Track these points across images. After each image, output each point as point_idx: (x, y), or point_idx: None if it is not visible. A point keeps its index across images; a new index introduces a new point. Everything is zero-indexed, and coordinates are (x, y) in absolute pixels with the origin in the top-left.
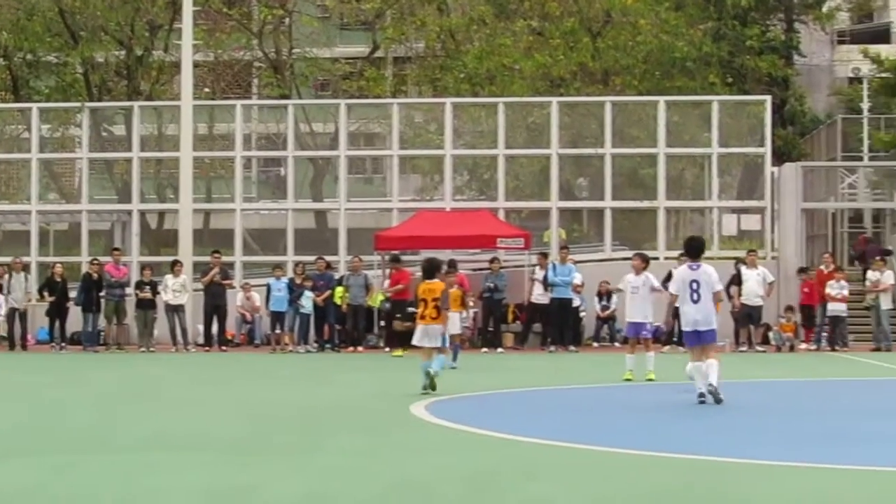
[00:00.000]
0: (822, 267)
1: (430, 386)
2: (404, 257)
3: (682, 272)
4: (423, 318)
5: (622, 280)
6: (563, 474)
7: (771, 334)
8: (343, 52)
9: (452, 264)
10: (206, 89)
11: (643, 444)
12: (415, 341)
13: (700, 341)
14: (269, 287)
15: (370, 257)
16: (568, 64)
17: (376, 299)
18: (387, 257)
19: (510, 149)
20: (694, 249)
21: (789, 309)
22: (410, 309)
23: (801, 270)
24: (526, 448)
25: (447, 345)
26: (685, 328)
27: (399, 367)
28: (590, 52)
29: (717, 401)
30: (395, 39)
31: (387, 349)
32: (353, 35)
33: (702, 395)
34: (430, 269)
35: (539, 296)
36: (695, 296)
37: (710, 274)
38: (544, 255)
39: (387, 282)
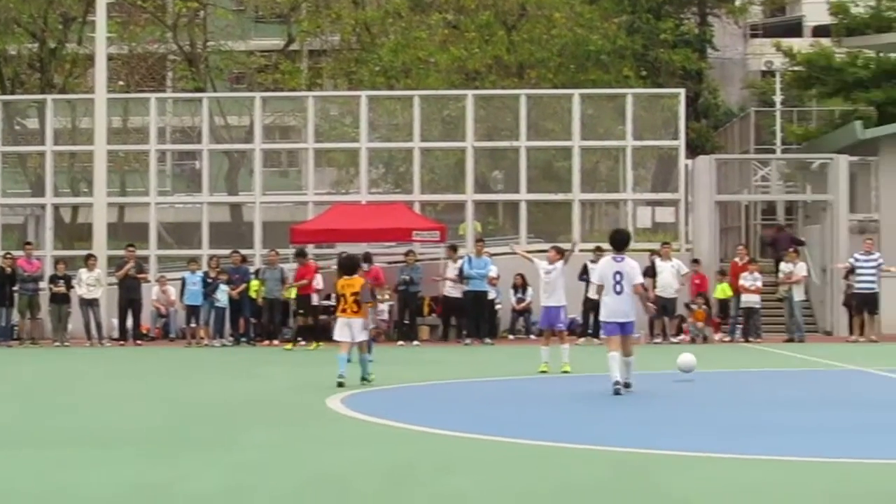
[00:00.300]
0: (737, 259)
1: (365, 378)
2: (320, 251)
3: (605, 263)
4: (343, 311)
5: (537, 265)
6: (479, 467)
7: (686, 325)
8: (258, 45)
9: (368, 258)
10: (121, 82)
11: (559, 436)
12: (335, 336)
13: (621, 332)
14: (183, 281)
15: (286, 251)
16: (483, 57)
17: (292, 292)
18: (279, 251)
19: (425, 142)
20: (618, 242)
21: (700, 295)
22: (326, 302)
23: (694, 262)
24: (442, 441)
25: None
26: (607, 318)
27: (315, 360)
28: (505, 45)
29: (626, 385)
30: (310, 32)
31: (302, 342)
32: (268, 28)
33: (617, 383)
34: (349, 265)
35: (450, 288)
36: (618, 287)
37: (633, 266)
38: (453, 249)
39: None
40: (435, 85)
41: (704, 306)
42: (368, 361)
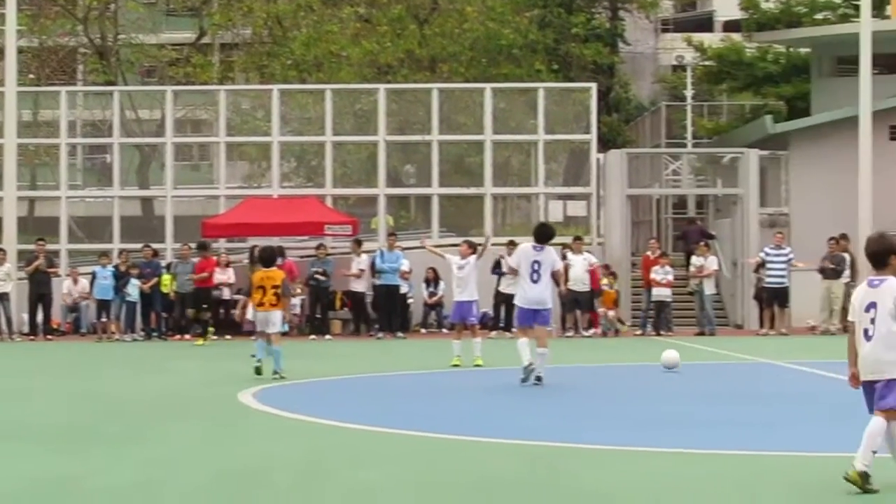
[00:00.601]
0: (649, 252)
1: (257, 371)
2: (232, 245)
3: (525, 251)
4: (261, 304)
5: (450, 260)
6: (391, 461)
7: (599, 319)
8: (169, 39)
9: (281, 251)
10: (31, 75)
11: (472, 430)
12: (256, 328)
13: (535, 320)
14: (94, 275)
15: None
16: (395, 51)
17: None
18: (193, 245)
19: (338, 136)
20: (543, 236)
21: (607, 267)
22: (237, 296)
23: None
24: (354, 435)
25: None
26: (522, 305)
27: (228, 355)
28: (417, 39)
29: (535, 379)
30: (221, 26)
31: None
32: (180, 21)
33: (530, 364)
34: (269, 257)
35: (355, 283)
36: (535, 275)
37: (553, 256)
38: (357, 243)
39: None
40: (347, 79)
41: (616, 286)
42: (263, 347)
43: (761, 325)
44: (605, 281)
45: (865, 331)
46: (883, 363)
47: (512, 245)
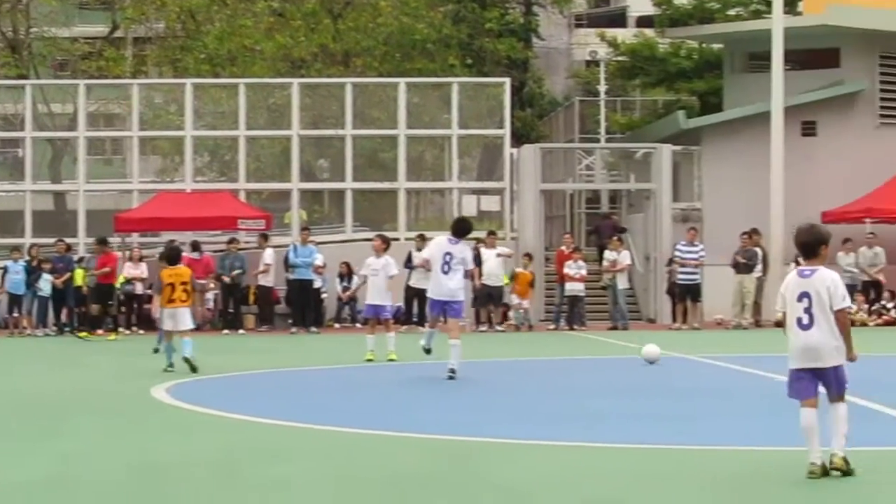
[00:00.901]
0: (563, 247)
1: (192, 369)
2: (144, 239)
3: (439, 242)
4: (171, 301)
5: (363, 264)
6: (306, 456)
7: (511, 314)
8: (82, 32)
9: (196, 246)
10: None
11: (386, 424)
12: (165, 326)
13: (446, 312)
14: (6, 269)
15: (111, 239)
16: (309, 45)
17: (119, 279)
18: (94, 240)
19: (251, 130)
20: (460, 231)
21: (528, 256)
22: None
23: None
24: (267, 430)
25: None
26: (433, 296)
27: (142, 350)
28: (331, 33)
29: (449, 372)
30: (134, 19)
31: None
32: (93, 15)
33: (427, 350)
34: (174, 256)
35: (263, 277)
36: (445, 267)
37: (466, 252)
38: (264, 237)
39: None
40: (260, 73)
41: (530, 267)
42: (172, 351)
43: (674, 320)
44: (521, 262)
45: (799, 319)
46: (825, 352)
47: (421, 239)
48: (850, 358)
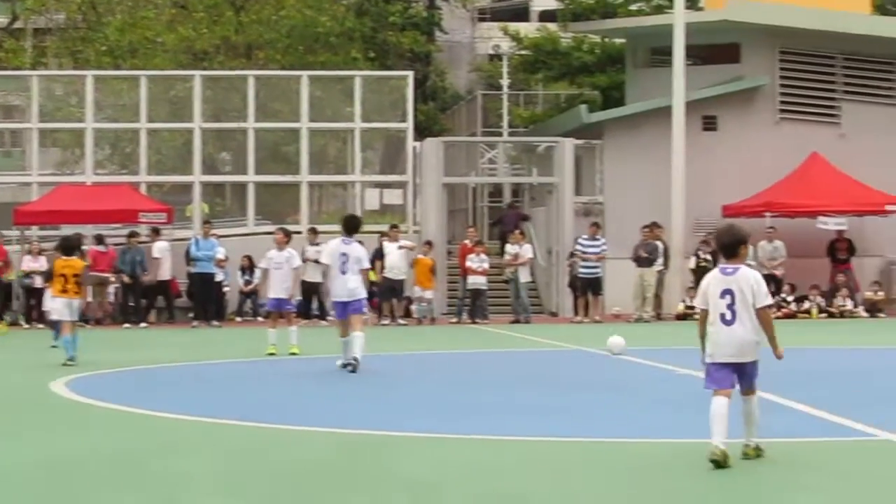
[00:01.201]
0: (467, 241)
1: (72, 359)
2: (43, 232)
3: (333, 246)
4: (64, 292)
5: (264, 257)
6: (207, 450)
7: (413, 307)
8: None
9: (101, 239)
10: None
11: (289, 418)
12: (55, 315)
13: (348, 311)
14: None
15: (10, 232)
16: (211, 37)
17: (15, 273)
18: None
19: (153, 123)
20: (352, 227)
21: (428, 243)
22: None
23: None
24: (168, 424)
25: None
26: (335, 299)
27: (40, 344)
28: (233, 25)
29: (352, 360)
30: (35, 10)
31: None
32: None
33: (345, 365)
34: (70, 246)
35: (163, 272)
36: (343, 268)
37: (361, 251)
38: (156, 231)
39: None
40: (162, 65)
41: (430, 254)
42: (70, 343)
43: (575, 313)
44: (422, 250)
45: (722, 315)
46: (746, 347)
47: (313, 233)
48: (777, 355)
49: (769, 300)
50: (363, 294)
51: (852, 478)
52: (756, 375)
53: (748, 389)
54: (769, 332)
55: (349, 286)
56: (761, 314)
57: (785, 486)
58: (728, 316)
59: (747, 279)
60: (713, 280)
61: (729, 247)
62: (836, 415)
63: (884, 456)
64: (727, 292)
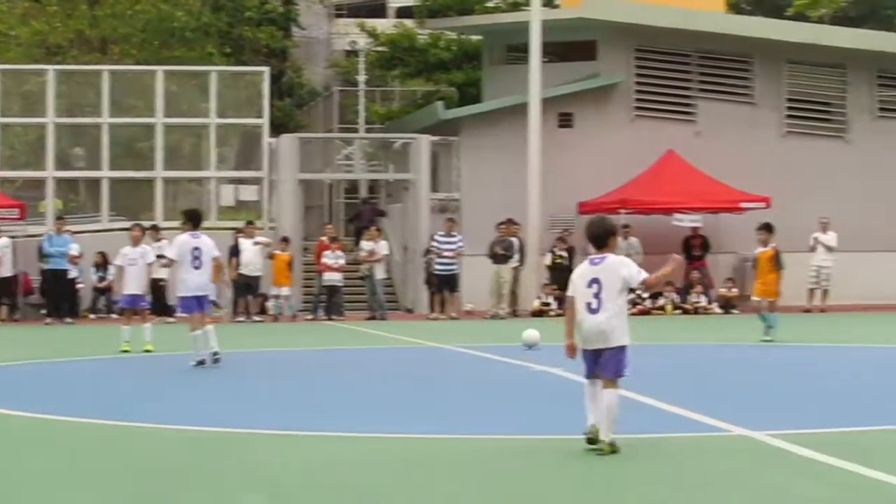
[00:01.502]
0: (324, 238)
1: None
2: None
3: (183, 240)
4: None
5: (119, 254)
6: (61, 449)
7: (269, 304)
8: None
9: None
10: None
11: (144, 416)
12: None
13: (200, 307)
14: None
15: None
16: (65, 31)
17: None
18: None
19: (5, 118)
20: (197, 219)
21: (284, 240)
22: None
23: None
24: (21, 422)
25: None
26: (185, 294)
27: None
28: (88, 19)
29: (216, 361)
30: None
31: None
32: None
33: (201, 361)
34: None
35: (3, 269)
36: (196, 262)
37: (210, 243)
38: None
39: None
40: (15, 59)
41: (288, 250)
42: None
43: (431, 310)
44: (279, 247)
45: (588, 304)
46: (609, 333)
47: (155, 230)
48: (662, 273)
49: (643, 274)
50: (213, 288)
51: (707, 473)
52: (617, 367)
53: (607, 381)
54: (660, 276)
55: (200, 281)
56: (646, 282)
57: (640, 480)
58: (594, 305)
59: (614, 266)
60: (582, 270)
61: (599, 237)
62: (691, 410)
63: (738, 451)
64: (594, 281)
